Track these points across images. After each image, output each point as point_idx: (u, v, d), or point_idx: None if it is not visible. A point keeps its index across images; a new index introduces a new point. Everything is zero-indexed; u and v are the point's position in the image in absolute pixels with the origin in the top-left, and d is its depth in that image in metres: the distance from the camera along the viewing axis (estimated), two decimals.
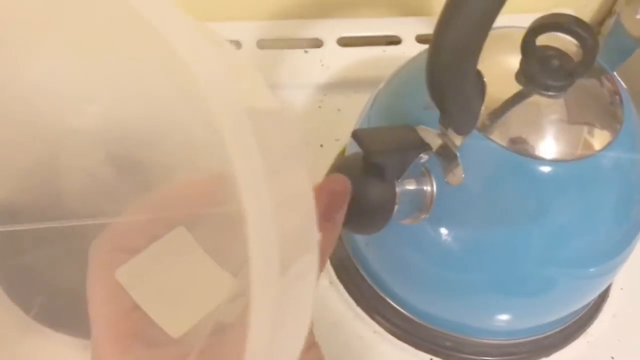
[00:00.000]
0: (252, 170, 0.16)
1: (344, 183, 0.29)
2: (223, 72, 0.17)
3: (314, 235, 0.21)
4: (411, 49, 0.60)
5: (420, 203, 0.35)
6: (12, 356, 0.29)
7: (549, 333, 0.44)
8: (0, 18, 0.20)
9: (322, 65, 0.59)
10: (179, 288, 0.25)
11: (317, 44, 0.61)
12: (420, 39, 0.62)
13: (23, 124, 0.25)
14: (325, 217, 0.28)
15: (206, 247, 0.25)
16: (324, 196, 0.28)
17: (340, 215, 0.28)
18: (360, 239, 0.45)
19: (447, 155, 0.34)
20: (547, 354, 0.44)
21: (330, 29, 0.61)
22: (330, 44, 0.61)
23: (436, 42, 0.27)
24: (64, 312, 0.31)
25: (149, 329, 0.24)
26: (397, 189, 0.33)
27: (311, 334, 0.27)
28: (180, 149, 0.26)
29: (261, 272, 0.16)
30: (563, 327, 0.44)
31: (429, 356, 0.43)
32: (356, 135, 0.32)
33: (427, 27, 0.62)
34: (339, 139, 0.52)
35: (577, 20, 0.33)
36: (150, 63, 0.22)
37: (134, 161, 0.27)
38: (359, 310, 0.45)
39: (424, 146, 0.33)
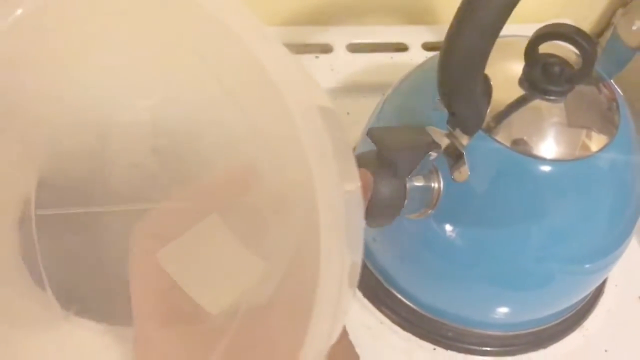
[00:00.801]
0: (326, 159, 0.18)
1: (366, 177, 0.31)
2: (296, 75, 0.19)
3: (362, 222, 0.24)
4: (418, 56, 0.62)
5: (428, 199, 0.37)
6: (43, 343, 0.30)
7: (546, 326, 0.46)
8: (68, 12, 0.22)
9: (332, 70, 0.60)
10: (213, 270, 0.27)
11: (328, 49, 0.62)
12: (427, 47, 0.63)
13: (76, 110, 0.27)
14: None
15: (237, 233, 0.27)
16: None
17: (364, 204, 0.30)
18: (367, 235, 0.46)
19: (454, 154, 0.35)
20: (545, 346, 0.46)
21: (340, 36, 0.63)
22: (340, 50, 0.62)
23: (448, 48, 0.29)
24: (95, 298, 0.32)
25: (187, 306, 0.26)
26: (408, 185, 0.35)
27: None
28: (217, 144, 0.28)
29: (334, 250, 0.19)
30: (560, 320, 0.46)
31: (432, 346, 0.45)
32: (371, 133, 0.34)
33: (433, 35, 0.64)
34: (347, 141, 0.54)
35: (578, 30, 0.35)
36: (201, 67, 0.24)
37: (176, 154, 0.29)
38: (366, 302, 0.46)
39: (433, 145, 0.35)
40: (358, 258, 0.23)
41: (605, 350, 0.46)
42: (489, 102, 0.33)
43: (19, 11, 0.22)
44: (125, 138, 0.28)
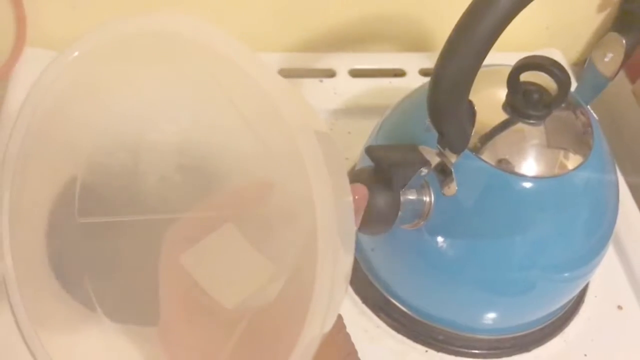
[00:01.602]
0: (322, 176, 0.22)
1: (363, 191, 0.34)
2: (296, 103, 0.23)
3: (354, 230, 0.27)
4: (415, 81, 0.65)
5: (420, 211, 0.40)
6: (72, 343, 0.33)
7: (530, 331, 0.48)
8: (114, 53, 0.27)
9: (335, 93, 0.63)
10: (228, 270, 0.30)
11: (331, 74, 0.65)
12: (423, 72, 0.66)
13: (115, 132, 0.31)
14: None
15: (251, 238, 0.30)
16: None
17: (359, 217, 0.34)
18: (366, 246, 0.49)
19: (443, 170, 0.39)
20: (528, 350, 0.48)
21: (343, 62, 0.66)
22: (343, 75, 0.65)
23: (436, 77, 0.33)
24: (122, 299, 0.35)
25: (207, 301, 0.29)
26: (401, 198, 0.38)
27: (341, 318, 0.32)
28: (233, 162, 0.32)
29: (329, 251, 0.22)
30: (542, 326, 0.49)
31: (424, 348, 0.47)
32: (369, 150, 0.37)
33: (430, 61, 0.67)
34: (348, 158, 0.57)
35: (554, 62, 0.39)
36: (221, 100, 0.28)
37: (198, 170, 0.32)
38: (364, 307, 0.49)
39: (425, 162, 0.38)
40: (350, 258, 0.26)
41: (585, 355, 0.49)
42: (473, 124, 0.36)
43: (76, 53, 0.26)
44: (155, 156, 0.32)
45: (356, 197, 0.33)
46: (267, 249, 0.30)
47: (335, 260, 0.23)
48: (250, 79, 0.23)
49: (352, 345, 0.33)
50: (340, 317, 0.32)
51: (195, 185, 0.32)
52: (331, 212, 0.23)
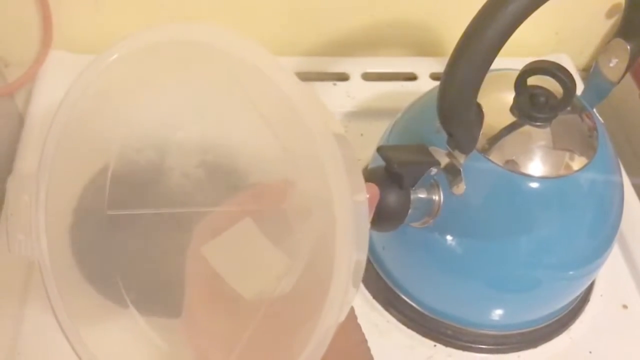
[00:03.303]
0: (340, 175, 0.24)
1: (374, 190, 0.36)
2: (315, 106, 0.25)
3: (368, 226, 0.29)
4: (426, 85, 0.66)
5: (429, 209, 0.42)
6: (99, 334, 0.34)
7: (536, 327, 0.49)
8: (143, 58, 0.29)
9: (348, 96, 0.65)
10: (247, 262, 0.32)
11: (344, 77, 0.67)
12: (434, 76, 0.67)
13: (143, 130, 0.33)
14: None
15: (270, 233, 0.32)
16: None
17: (372, 213, 0.35)
18: (377, 243, 0.51)
19: (452, 170, 0.40)
20: (535, 346, 0.49)
21: (356, 66, 0.67)
22: (356, 78, 0.66)
23: (445, 81, 0.35)
24: (147, 290, 0.36)
25: (228, 291, 0.31)
26: (412, 196, 0.39)
27: (353, 309, 0.34)
28: (253, 161, 0.34)
29: (346, 246, 0.24)
30: (549, 323, 0.50)
31: (433, 343, 0.49)
32: (381, 149, 0.39)
33: (440, 66, 0.65)
34: (360, 159, 0.57)
35: (559, 66, 0.40)
36: (243, 101, 0.30)
37: (219, 167, 0.34)
38: (375, 303, 0.50)
39: (434, 162, 0.39)
40: (364, 253, 0.28)
41: (590, 352, 0.50)
42: (481, 126, 0.38)
43: (115, 56, 0.28)
44: (179, 153, 0.34)
45: (368, 195, 0.35)
46: (285, 243, 0.32)
47: (352, 255, 0.25)
48: (272, 83, 0.25)
49: (363, 334, 0.34)
50: (352, 309, 0.33)
51: (217, 182, 0.34)
52: (349, 210, 0.24)
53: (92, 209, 0.35)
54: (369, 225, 0.29)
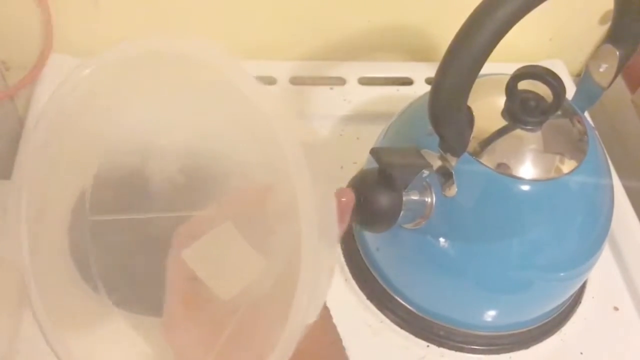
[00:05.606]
0: (305, 183, 0.25)
1: (349, 194, 0.36)
2: (284, 116, 0.26)
3: (336, 230, 0.30)
4: (421, 89, 0.66)
5: (422, 211, 0.42)
6: (86, 334, 0.35)
7: (528, 328, 0.50)
8: (129, 67, 0.30)
9: (345, 100, 0.65)
10: (225, 265, 0.33)
11: (341, 82, 0.67)
12: (429, 81, 0.67)
13: (126, 135, 0.34)
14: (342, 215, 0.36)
15: (249, 237, 0.33)
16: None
17: (347, 216, 0.36)
18: (371, 245, 0.51)
19: (444, 173, 0.41)
20: (527, 347, 0.50)
21: (353, 70, 0.68)
22: (352, 83, 0.67)
23: (436, 85, 0.35)
24: (130, 290, 0.37)
25: (206, 291, 0.32)
26: (404, 197, 0.40)
27: (327, 309, 0.35)
28: (232, 167, 0.35)
29: (310, 245, 0.25)
30: (541, 324, 0.50)
31: (426, 343, 0.49)
32: (374, 151, 0.39)
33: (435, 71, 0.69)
34: (356, 162, 0.59)
35: (549, 71, 0.41)
36: (222, 111, 0.31)
37: (199, 172, 0.35)
38: (369, 303, 0.51)
39: (426, 165, 0.40)
40: (332, 255, 0.29)
41: (581, 353, 0.50)
42: (471, 129, 0.38)
43: (88, 71, 0.30)
44: (161, 158, 0.35)
45: (343, 199, 0.36)
46: (263, 246, 0.33)
47: (316, 260, 0.26)
48: (247, 97, 0.26)
49: (337, 334, 0.35)
50: (326, 308, 0.34)
51: (197, 187, 0.35)
52: (313, 217, 0.26)
53: (80, 214, 0.36)
54: (337, 227, 0.30)
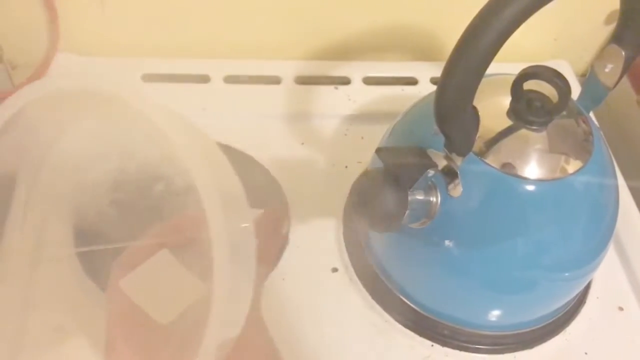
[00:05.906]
0: (215, 210, 0.27)
1: (275, 213, 0.39)
2: (196, 141, 0.27)
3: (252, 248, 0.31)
4: (426, 89, 0.67)
5: (427, 210, 0.42)
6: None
7: (532, 328, 0.50)
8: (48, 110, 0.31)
9: (349, 99, 0.66)
10: (163, 291, 0.34)
11: (346, 81, 0.67)
12: (434, 81, 0.68)
13: (65, 178, 0.36)
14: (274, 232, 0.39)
15: (186, 262, 0.34)
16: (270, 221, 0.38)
17: (277, 233, 0.38)
18: (378, 246, 0.52)
19: (450, 173, 0.41)
20: (531, 347, 0.50)
21: (358, 70, 0.68)
22: (357, 82, 0.67)
23: (442, 84, 0.35)
24: None
25: (145, 318, 0.33)
26: (409, 197, 0.40)
27: (262, 322, 0.35)
28: (163, 196, 0.36)
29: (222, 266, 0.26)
30: (545, 324, 0.50)
31: (430, 343, 0.49)
32: (379, 151, 0.40)
33: (440, 70, 0.67)
34: (361, 161, 0.60)
35: (555, 72, 0.41)
36: (149, 143, 0.32)
37: (130, 205, 0.37)
38: (373, 302, 0.51)
39: (432, 164, 0.40)
40: (249, 271, 0.30)
41: (586, 353, 0.50)
42: (477, 129, 0.38)
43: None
44: (93, 192, 0.37)
45: (273, 216, 0.38)
46: (200, 270, 0.34)
47: (226, 281, 0.27)
48: (162, 131, 0.27)
49: (274, 348, 0.35)
50: (261, 321, 0.35)
51: (128, 217, 0.37)
52: (223, 240, 0.27)
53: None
54: (254, 246, 0.31)
